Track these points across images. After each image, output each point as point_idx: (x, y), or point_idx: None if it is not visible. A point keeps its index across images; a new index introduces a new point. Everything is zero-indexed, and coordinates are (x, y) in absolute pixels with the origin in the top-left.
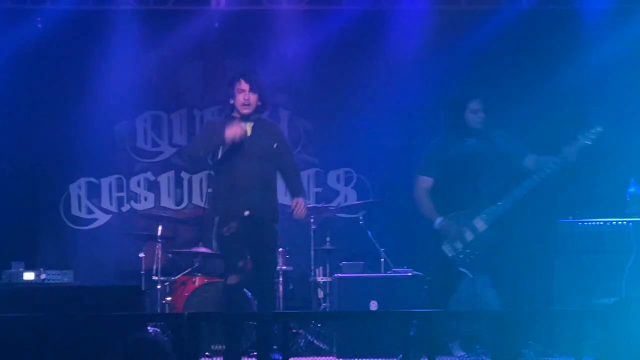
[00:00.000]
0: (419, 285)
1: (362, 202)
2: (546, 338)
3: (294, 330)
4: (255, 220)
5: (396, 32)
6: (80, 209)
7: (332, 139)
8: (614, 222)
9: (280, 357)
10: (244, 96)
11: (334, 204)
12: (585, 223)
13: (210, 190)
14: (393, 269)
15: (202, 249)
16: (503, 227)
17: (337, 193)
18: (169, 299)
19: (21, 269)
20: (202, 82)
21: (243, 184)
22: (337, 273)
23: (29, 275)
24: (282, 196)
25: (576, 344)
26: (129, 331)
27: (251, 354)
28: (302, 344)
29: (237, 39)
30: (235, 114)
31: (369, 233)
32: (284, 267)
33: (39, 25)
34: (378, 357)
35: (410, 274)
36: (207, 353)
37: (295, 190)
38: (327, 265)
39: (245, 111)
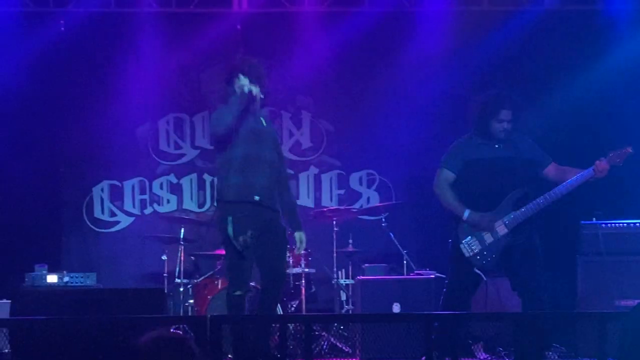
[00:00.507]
0: (441, 288)
1: (385, 204)
2: (569, 340)
3: (316, 333)
4: (264, 208)
5: (418, 33)
6: (103, 212)
7: (354, 141)
8: (637, 224)
9: None
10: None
11: (357, 206)
12: (609, 225)
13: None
14: (416, 271)
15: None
16: (522, 232)
17: (359, 195)
18: (191, 301)
19: (44, 272)
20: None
21: (255, 167)
22: (359, 275)
23: (52, 278)
24: (305, 198)
25: (599, 346)
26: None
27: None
28: (324, 346)
29: (259, 41)
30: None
31: (392, 235)
32: (307, 270)
33: (62, 28)
34: None
35: (432, 276)
36: (230, 355)
37: (294, 224)
38: (350, 268)
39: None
